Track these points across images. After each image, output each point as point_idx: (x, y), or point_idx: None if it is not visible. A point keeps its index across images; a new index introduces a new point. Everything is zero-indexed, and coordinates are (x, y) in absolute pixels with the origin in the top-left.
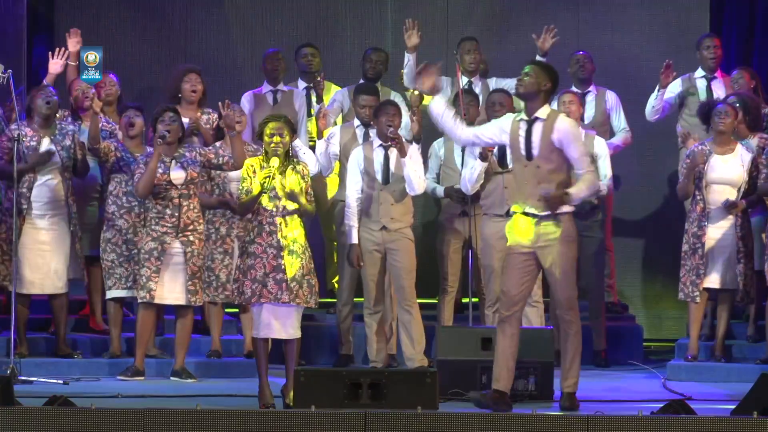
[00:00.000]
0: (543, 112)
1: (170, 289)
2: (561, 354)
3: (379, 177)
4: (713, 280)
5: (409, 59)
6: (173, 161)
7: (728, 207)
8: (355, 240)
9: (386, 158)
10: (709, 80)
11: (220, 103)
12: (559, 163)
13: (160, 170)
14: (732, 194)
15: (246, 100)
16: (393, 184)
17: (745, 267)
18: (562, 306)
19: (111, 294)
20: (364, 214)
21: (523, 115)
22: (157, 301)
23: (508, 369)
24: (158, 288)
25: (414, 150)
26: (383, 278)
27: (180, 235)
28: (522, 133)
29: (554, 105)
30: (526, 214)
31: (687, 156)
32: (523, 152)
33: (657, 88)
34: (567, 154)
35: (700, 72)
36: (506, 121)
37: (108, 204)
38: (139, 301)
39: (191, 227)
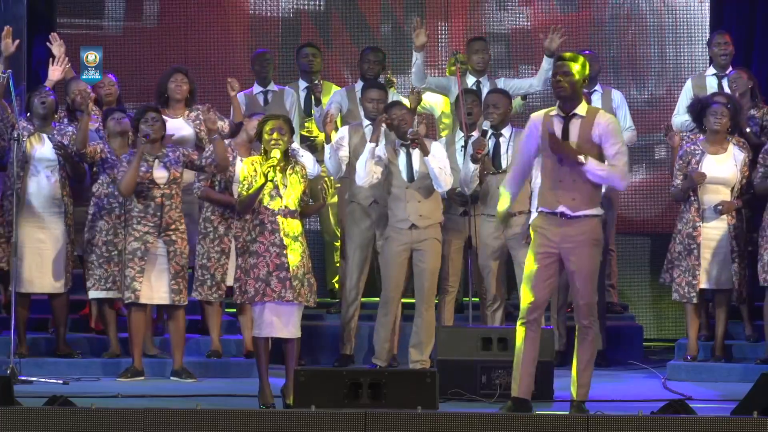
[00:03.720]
0: (582, 108)
1: (155, 288)
2: (575, 360)
3: (403, 176)
4: (709, 281)
5: (416, 58)
6: (156, 160)
7: (718, 209)
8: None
9: (408, 156)
10: (720, 78)
11: (200, 107)
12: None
13: (143, 169)
14: (726, 194)
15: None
16: (418, 182)
17: (740, 266)
18: (581, 311)
19: (91, 295)
20: (392, 214)
21: (558, 111)
22: (142, 301)
23: (530, 374)
24: (143, 288)
25: (437, 146)
26: (404, 279)
27: (162, 234)
28: (557, 130)
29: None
30: (554, 213)
31: (680, 157)
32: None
33: (686, 100)
34: (605, 151)
35: (711, 70)
36: (532, 124)
37: (90, 205)
38: (126, 301)
39: (173, 227)
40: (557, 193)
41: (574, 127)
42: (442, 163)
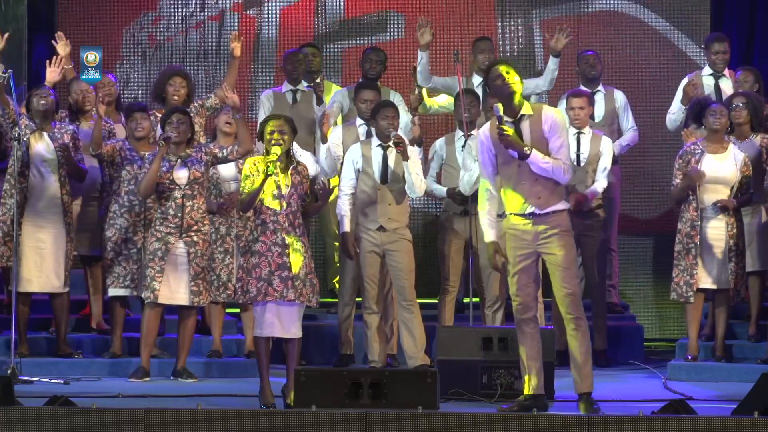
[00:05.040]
0: (527, 108)
1: (174, 289)
2: (572, 354)
3: (377, 176)
4: (708, 281)
5: (422, 57)
6: (178, 161)
7: (720, 206)
8: (347, 228)
9: (384, 158)
10: (717, 78)
11: (224, 86)
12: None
13: (164, 169)
14: (725, 193)
15: (265, 98)
16: (391, 184)
17: (737, 266)
18: (569, 303)
19: (110, 292)
20: (362, 214)
21: (505, 117)
22: (161, 301)
23: (538, 369)
24: (162, 288)
25: (414, 152)
26: (382, 278)
27: (184, 235)
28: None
29: (562, 106)
30: (524, 215)
31: (679, 156)
32: (515, 153)
33: (679, 100)
34: (550, 143)
35: (707, 70)
36: (482, 136)
37: (111, 203)
38: (145, 301)
39: (195, 228)
40: (522, 195)
41: (525, 127)
42: (417, 168)
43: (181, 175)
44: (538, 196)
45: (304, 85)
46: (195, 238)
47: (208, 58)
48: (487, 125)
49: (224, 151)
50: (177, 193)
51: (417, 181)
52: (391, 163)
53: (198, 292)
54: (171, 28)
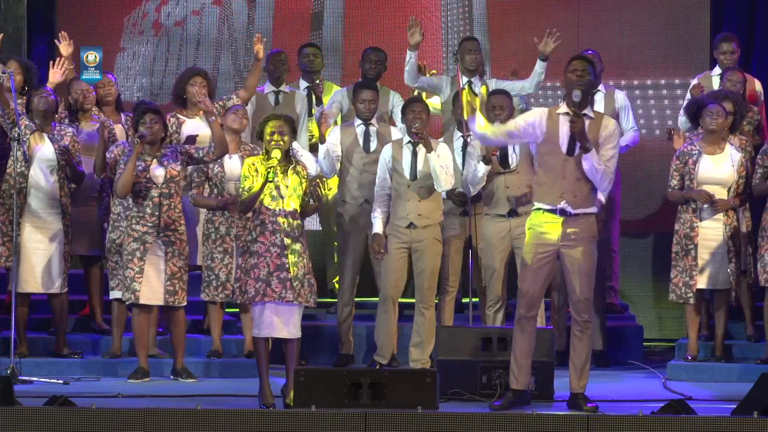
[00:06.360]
0: (590, 110)
1: (153, 289)
2: (573, 355)
3: (407, 174)
4: (706, 281)
5: (410, 57)
6: (154, 160)
7: (713, 204)
8: (378, 230)
9: (414, 155)
10: None
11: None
12: None
13: (140, 168)
14: (723, 194)
15: None
16: (420, 180)
17: (736, 267)
18: (582, 307)
19: (113, 295)
20: (393, 211)
21: (565, 109)
22: (142, 301)
23: (527, 367)
24: (143, 288)
25: (443, 147)
26: (404, 277)
27: (161, 234)
28: (564, 128)
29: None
30: (554, 211)
31: (676, 157)
32: (565, 147)
33: (687, 99)
34: (604, 152)
35: (717, 70)
36: (538, 116)
37: (115, 204)
38: (126, 302)
39: (173, 227)
40: (560, 190)
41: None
42: (445, 162)
43: (158, 173)
44: (575, 194)
45: (285, 86)
46: (172, 238)
47: (233, 42)
48: (545, 110)
49: (200, 152)
50: (154, 192)
51: (441, 173)
52: (419, 160)
53: (173, 292)
54: (179, 11)
